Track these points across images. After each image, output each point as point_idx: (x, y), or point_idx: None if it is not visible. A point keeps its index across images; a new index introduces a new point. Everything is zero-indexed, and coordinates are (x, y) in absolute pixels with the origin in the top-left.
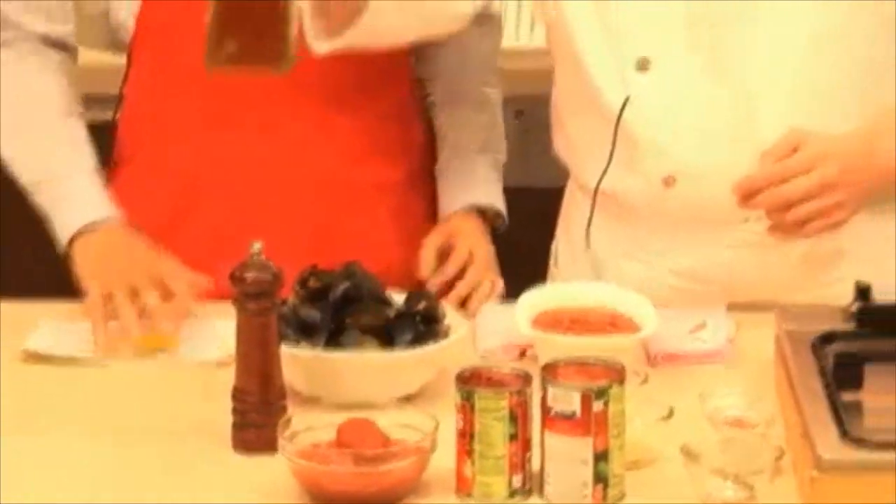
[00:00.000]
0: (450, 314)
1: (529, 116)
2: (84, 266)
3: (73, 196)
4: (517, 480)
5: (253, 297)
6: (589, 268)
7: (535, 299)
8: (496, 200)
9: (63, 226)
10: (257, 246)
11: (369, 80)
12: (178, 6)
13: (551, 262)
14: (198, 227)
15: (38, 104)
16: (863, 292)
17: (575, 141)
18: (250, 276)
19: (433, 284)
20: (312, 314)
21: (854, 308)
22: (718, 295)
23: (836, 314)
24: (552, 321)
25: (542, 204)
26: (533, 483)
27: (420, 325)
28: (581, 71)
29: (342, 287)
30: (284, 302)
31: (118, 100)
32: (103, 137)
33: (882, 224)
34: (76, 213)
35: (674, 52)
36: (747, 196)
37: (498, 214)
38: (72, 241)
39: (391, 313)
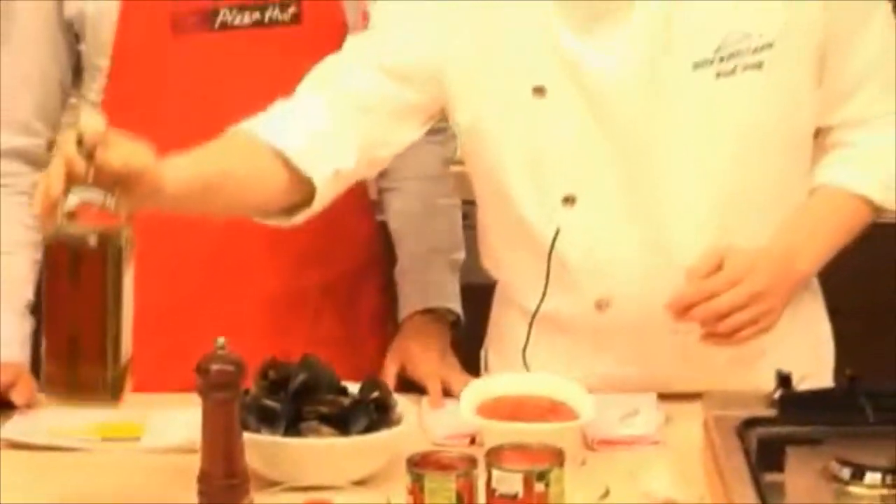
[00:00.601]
0: (401, 402)
1: None
2: None
3: None
4: None
5: (218, 388)
6: None
7: (478, 388)
8: (449, 300)
9: None
10: (221, 340)
11: None
12: (140, 124)
13: (482, 366)
14: (163, 329)
15: None
16: (784, 380)
17: (508, 268)
18: (215, 368)
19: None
20: (272, 403)
21: (776, 395)
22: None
23: (759, 400)
24: (495, 409)
25: None
26: None
27: (374, 412)
28: (509, 204)
29: (300, 378)
30: (247, 392)
31: None
32: None
33: (797, 323)
34: None
35: (597, 189)
36: (681, 312)
37: (451, 312)
38: None
39: (346, 402)
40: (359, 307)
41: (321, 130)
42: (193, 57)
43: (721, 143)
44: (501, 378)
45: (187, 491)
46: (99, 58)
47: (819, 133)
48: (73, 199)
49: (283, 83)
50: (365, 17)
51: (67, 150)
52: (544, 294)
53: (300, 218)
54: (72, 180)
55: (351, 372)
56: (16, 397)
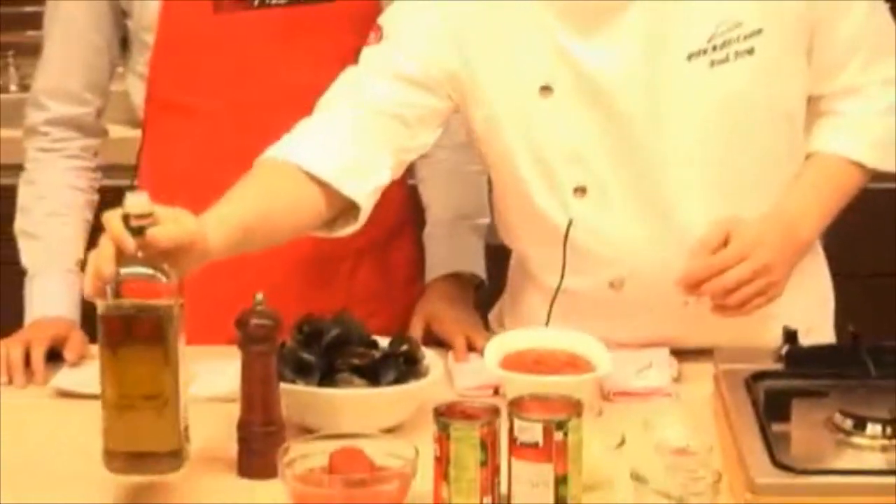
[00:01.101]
0: (428, 356)
1: None
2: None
3: (41, 290)
4: (487, 501)
5: (256, 341)
6: None
7: (501, 343)
8: (474, 265)
9: (28, 310)
10: (259, 296)
11: None
12: (181, 93)
13: (494, 324)
14: (206, 287)
15: (42, 199)
16: (790, 336)
17: (525, 248)
18: (254, 322)
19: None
20: (307, 356)
21: (783, 350)
22: None
23: (766, 355)
24: (517, 362)
25: None
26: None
27: (402, 365)
28: (524, 196)
29: (334, 332)
30: (283, 345)
31: (135, 168)
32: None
33: (801, 280)
34: (38, 305)
35: (606, 180)
36: (692, 288)
37: (473, 275)
38: (27, 325)
39: (377, 355)
40: (391, 266)
41: (355, 149)
42: (233, 34)
43: (718, 126)
44: (523, 333)
45: (228, 437)
46: (145, 33)
47: (810, 101)
48: (123, 273)
49: (319, 60)
50: (377, 29)
51: (116, 229)
52: (562, 278)
53: (344, 232)
54: (121, 258)
55: (382, 327)
56: (68, 353)
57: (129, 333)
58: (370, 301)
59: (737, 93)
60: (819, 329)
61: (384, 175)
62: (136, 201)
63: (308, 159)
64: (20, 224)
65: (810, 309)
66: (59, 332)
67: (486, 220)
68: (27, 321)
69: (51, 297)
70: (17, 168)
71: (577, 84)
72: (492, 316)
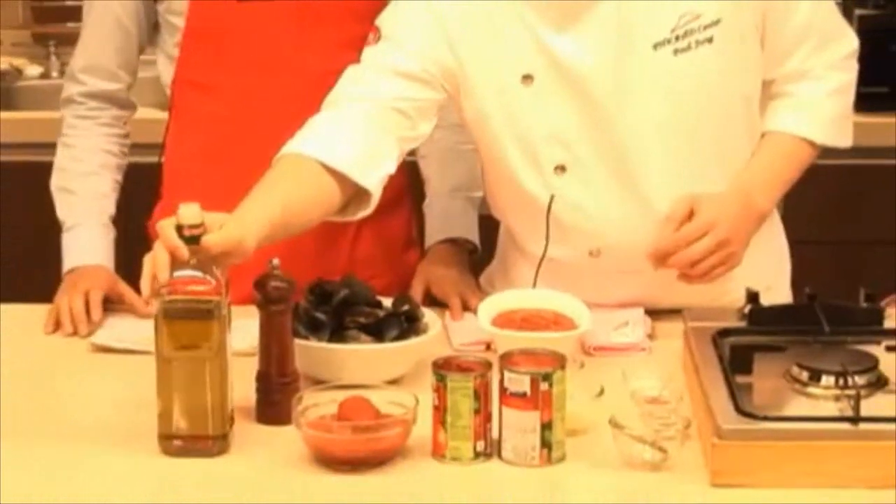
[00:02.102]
0: (427, 314)
1: None
2: (64, 282)
3: (78, 240)
4: (480, 445)
5: (273, 301)
6: None
7: (493, 303)
8: (468, 232)
9: (65, 260)
10: (275, 262)
11: None
12: (206, 74)
13: (485, 286)
14: None
15: (78, 160)
16: (753, 297)
17: (512, 223)
18: (271, 284)
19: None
20: (319, 315)
21: (746, 309)
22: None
23: (731, 314)
24: (508, 320)
25: None
26: (493, 447)
27: (404, 323)
28: (510, 177)
29: (342, 293)
30: (297, 305)
31: (162, 146)
32: (152, 176)
33: (761, 242)
34: (75, 254)
35: (582, 158)
36: (660, 261)
37: (469, 241)
38: (65, 275)
39: (381, 314)
40: (389, 234)
41: (364, 141)
42: (255, 21)
43: (682, 108)
44: (513, 294)
45: (248, 388)
46: (175, 18)
47: (764, 84)
48: (176, 276)
49: (328, 47)
50: (375, 30)
51: (171, 238)
52: (545, 249)
53: (356, 216)
54: (175, 263)
55: (382, 289)
56: (129, 298)
57: (181, 329)
58: (371, 265)
59: (698, 77)
60: (777, 288)
61: (390, 163)
62: (188, 212)
63: (325, 153)
64: (57, 181)
65: (769, 269)
66: (109, 282)
67: (480, 193)
68: (65, 270)
69: (88, 247)
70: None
71: (555, 72)
72: (483, 279)
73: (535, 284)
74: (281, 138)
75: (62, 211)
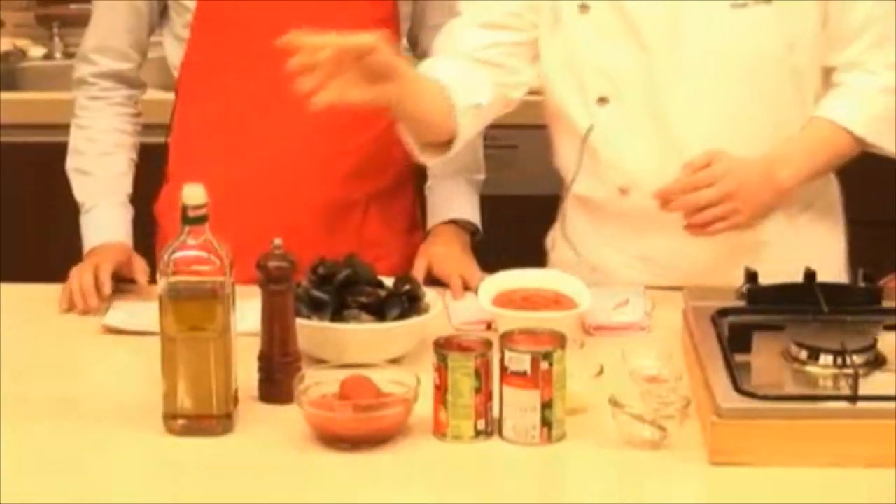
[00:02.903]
0: (429, 294)
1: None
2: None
3: (97, 220)
4: (481, 424)
5: (274, 281)
6: (573, 253)
7: (494, 282)
8: (470, 214)
9: (85, 241)
10: (277, 241)
11: (366, 112)
12: (213, 56)
13: (548, 245)
14: (230, 232)
15: (93, 141)
16: (751, 276)
17: (557, 152)
18: (273, 264)
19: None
20: (321, 294)
21: (744, 289)
22: (669, 278)
23: (730, 293)
24: (508, 300)
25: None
26: (494, 426)
27: (406, 303)
28: (554, 99)
29: (344, 273)
30: (299, 285)
31: (168, 127)
32: (159, 157)
33: (797, 225)
34: (95, 234)
35: (626, 93)
36: (665, 202)
37: (470, 223)
38: (87, 254)
39: (383, 294)
40: (395, 214)
41: (459, 75)
42: (267, 5)
43: (730, 65)
44: (514, 274)
45: (250, 367)
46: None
47: (823, 74)
48: (179, 256)
49: (337, 25)
50: None
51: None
52: (577, 173)
53: (452, 151)
54: (178, 245)
55: (387, 270)
56: (138, 275)
57: (185, 309)
58: (377, 247)
59: (751, 36)
60: (830, 268)
61: (485, 97)
62: (193, 193)
63: (432, 71)
64: (73, 163)
65: (823, 248)
66: (122, 256)
67: (482, 176)
68: (85, 250)
69: (107, 226)
70: (62, 127)
71: (611, 6)
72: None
73: (563, 218)
74: (290, 120)
75: (80, 192)
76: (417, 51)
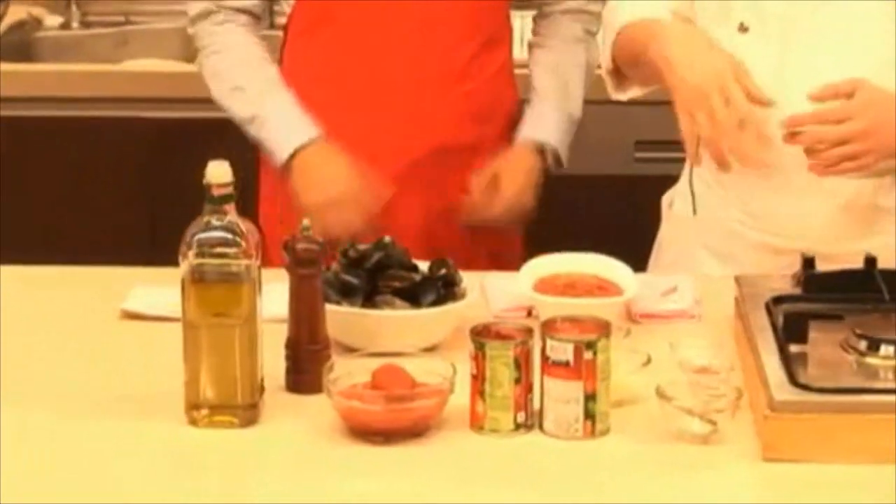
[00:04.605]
0: (466, 278)
1: None
2: (299, 181)
3: (282, 126)
4: (521, 416)
5: (303, 264)
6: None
7: (535, 267)
8: (555, 140)
9: (278, 150)
10: (306, 222)
11: (480, 50)
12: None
13: (665, 203)
14: None
15: (241, 56)
16: (808, 262)
17: None
18: (301, 247)
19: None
20: (352, 279)
21: (801, 275)
22: (782, 237)
23: (785, 280)
24: (550, 286)
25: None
26: (534, 419)
27: (441, 288)
28: (701, 25)
29: (376, 256)
30: (329, 269)
31: (279, 62)
32: (221, 132)
33: None
34: (288, 139)
35: (767, 20)
36: (792, 131)
37: (554, 152)
38: (289, 161)
39: (417, 278)
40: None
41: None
42: None
43: (880, 16)
44: (555, 258)
45: (277, 356)
46: None
47: None
48: (204, 237)
49: None
50: None
51: None
52: None
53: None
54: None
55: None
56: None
57: (209, 293)
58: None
59: None
60: None
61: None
62: (218, 171)
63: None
64: (219, 88)
65: None
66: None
67: (578, 115)
68: (283, 155)
69: (292, 124)
70: (79, 101)
71: None
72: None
73: (691, 170)
74: (402, 64)
75: (240, 109)
76: None
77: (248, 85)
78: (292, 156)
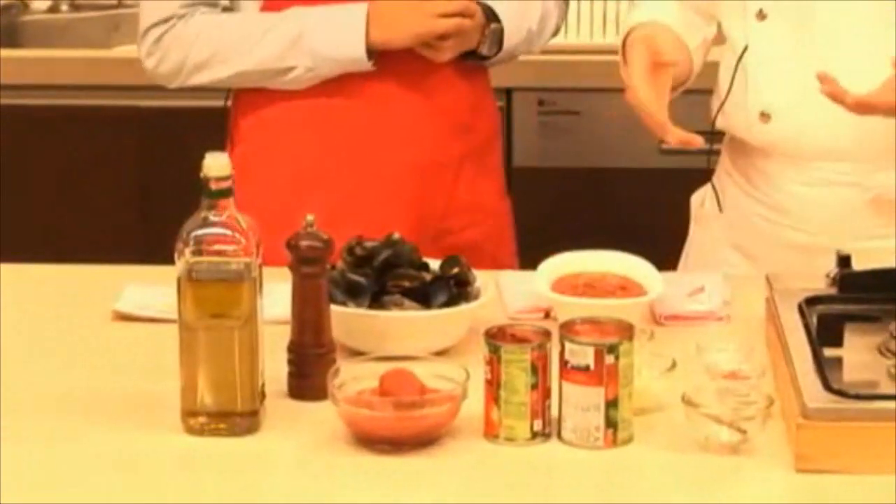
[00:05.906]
0: (479, 278)
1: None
2: (389, 33)
3: (331, 25)
4: (538, 424)
5: (306, 263)
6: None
7: (553, 266)
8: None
9: (350, 42)
10: (310, 218)
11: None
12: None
13: (694, 202)
14: (316, 198)
15: (220, 33)
16: (844, 260)
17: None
18: (304, 244)
19: None
20: (358, 278)
21: (836, 274)
22: (801, 231)
23: (819, 279)
24: (569, 286)
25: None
26: (552, 427)
27: (453, 287)
28: (718, 17)
29: (384, 254)
30: (334, 267)
31: (228, 89)
32: (220, 121)
33: None
34: (347, 30)
35: (785, 7)
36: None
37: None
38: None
39: (428, 277)
40: (487, 175)
41: (679, 15)
42: None
43: None
44: (574, 256)
45: (279, 359)
46: None
47: None
48: (202, 234)
49: None
50: None
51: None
52: (726, 98)
53: (684, 86)
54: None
55: (475, 241)
56: None
57: (207, 293)
58: (468, 212)
59: None
60: None
61: (711, 31)
62: (216, 164)
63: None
64: (222, 66)
65: None
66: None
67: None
68: (357, 44)
69: (340, 14)
70: (67, 89)
71: None
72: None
73: (709, 151)
74: (378, 82)
75: (274, 44)
76: None
77: (273, 23)
78: (367, 33)
